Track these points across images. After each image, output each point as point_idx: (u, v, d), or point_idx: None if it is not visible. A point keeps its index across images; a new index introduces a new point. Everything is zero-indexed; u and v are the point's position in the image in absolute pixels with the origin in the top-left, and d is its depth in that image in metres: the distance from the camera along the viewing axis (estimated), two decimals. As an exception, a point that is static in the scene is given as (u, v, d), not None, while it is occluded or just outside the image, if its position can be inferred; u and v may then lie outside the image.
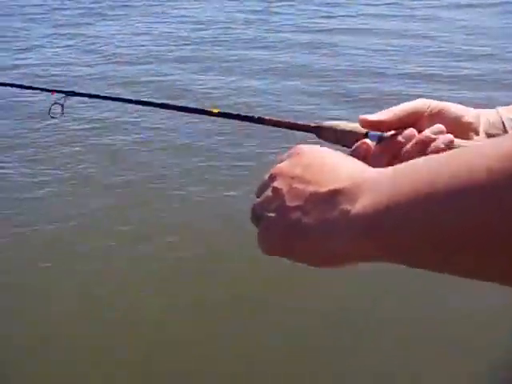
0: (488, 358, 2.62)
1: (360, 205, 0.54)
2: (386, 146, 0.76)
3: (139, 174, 4.31)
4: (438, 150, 0.73)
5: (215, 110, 0.83)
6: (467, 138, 0.77)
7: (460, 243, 0.47)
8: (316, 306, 2.99)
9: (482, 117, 0.79)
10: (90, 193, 4.11)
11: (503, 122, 0.78)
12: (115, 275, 3.28)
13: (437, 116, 0.77)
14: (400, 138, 0.76)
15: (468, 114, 0.79)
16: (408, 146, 0.75)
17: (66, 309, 3.03)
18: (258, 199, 0.65)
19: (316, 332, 2.85)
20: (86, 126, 5.05)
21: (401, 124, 0.77)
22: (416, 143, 0.75)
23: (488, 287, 0.54)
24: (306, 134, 0.81)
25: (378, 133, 0.78)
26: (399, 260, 0.53)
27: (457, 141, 0.74)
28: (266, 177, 0.66)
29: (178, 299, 3.06)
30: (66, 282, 3.22)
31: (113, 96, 1.07)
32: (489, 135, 0.77)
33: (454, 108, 0.79)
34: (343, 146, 0.79)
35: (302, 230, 0.59)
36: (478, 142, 0.76)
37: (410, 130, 0.76)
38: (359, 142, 0.77)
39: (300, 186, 0.61)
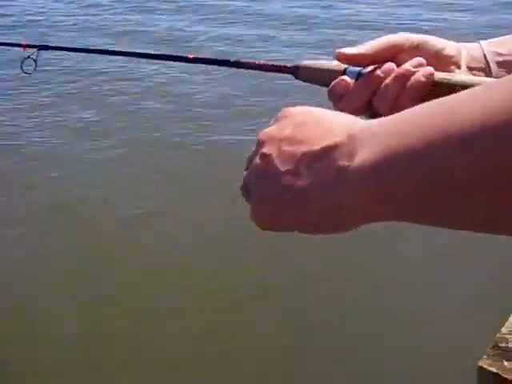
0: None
1: (360, 158, 0.51)
2: (364, 82, 0.74)
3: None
4: (418, 84, 0.72)
5: (190, 56, 0.81)
6: (448, 71, 0.76)
7: (474, 186, 0.44)
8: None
9: (464, 50, 0.77)
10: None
11: (485, 55, 0.76)
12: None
13: (417, 50, 0.75)
14: (379, 72, 0.74)
15: (449, 46, 0.77)
16: (387, 80, 0.73)
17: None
18: (247, 170, 0.61)
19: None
20: (61, 80, 4.99)
21: (380, 58, 0.75)
22: (395, 77, 0.73)
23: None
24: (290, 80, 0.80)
25: (357, 69, 0.75)
26: (407, 213, 0.50)
27: (437, 74, 0.73)
28: (254, 146, 0.61)
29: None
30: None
31: (88, 48, 1.05)
32: (470, 68, 0.76)
33: (435, 41, 0.77)
34: (323, 85, 0.78)
35: (298, 196, 0.55)
36: (460, 75, 0.74)
37: (389, 64, 0.74)
38: (337, 79, 0.75)
39: (290, 148, 0.56)
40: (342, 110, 0.75)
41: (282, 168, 0.56)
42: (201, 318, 2.83)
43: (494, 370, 1.29)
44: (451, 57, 0.76)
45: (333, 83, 0.75)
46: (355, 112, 0.74)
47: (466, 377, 1.26)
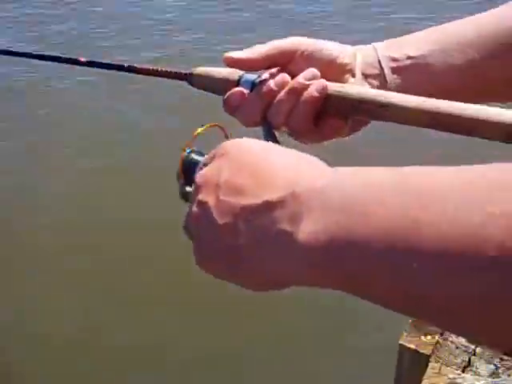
0: None
1: (307, 228, 0.46)
2: (257, 96, 0.72)
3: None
4: (311, 99, 0.70)
5: (82, 59, 0.78)
6: (343, 80, 0.74)
7: (437, 309, 0.40)
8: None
9: (359, 56, 0.75)
10: None
11: (379, 61, 0.74)
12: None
13: (311, 57, 0.73)
14: (272, 85, 0.72)
15: (344, 53, 0.75)
16: (281, 94, 0.71)
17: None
18: (187, 213, 0.56)
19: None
20: None
21: (271, 64, 0.73)
22: (289, 91, 0.71)
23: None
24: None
25: (252, 78, 0.73)
26: (351, 291, 0.45)
27: (330, 86, 0.71)
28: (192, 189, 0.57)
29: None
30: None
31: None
32: (365, 76, 0.74)
33: (329, 48, 0.74)
34: (218, 94, 0.76)
35: (234, 252, 0.51)
36: (353, 86, 0.72)
37: (282, 77, 0.72)
38: (231, 91, 0.73)
39: (228, 198, 0.51)
40: (239, 121, 0.74)
41: (220, 220, 0.51)
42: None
43: (412, 346, 1.34)
44: (346, 64, 0.74)
45: (227, 94, 0.73)
46: (251, 124, 0.73)
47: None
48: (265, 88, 0.72)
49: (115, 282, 3.02)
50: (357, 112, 0.70)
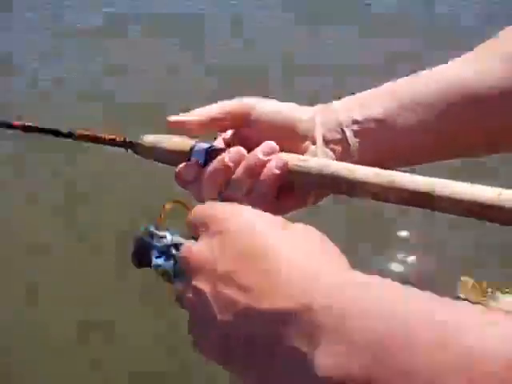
0: None
1: (322, 359, 0.39)
2: (213, 171, 0.65)
3: None
4: (271, 177, 0.64)
5: (16, 123, 0.69)
6: (302, 148, 0.67)
7: None
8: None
9: (318, 119, 0.68)
10: None
11: (341, 124, 0.67)
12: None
13: (266, 123, 0.66)
14: (227, 160, 0.65)
15: (302, 117, 0.68)
16: (238, 172, 0.65)
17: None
18: (181, 289, 0.50)
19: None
20: None
21: (221, 128, 0.68)
22: (246, 170, 0.64)
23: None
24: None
25: (204, 147, 0.67)
26: None
27: (291, 160, 0.64)
28: (181, 255, 0.50)
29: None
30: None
31: None
32: (327, 142, 0.67)
33: (285, 111, 0.68)
34: (169, 165, 0.68)
35: (241, 362, 0.45)
36: (314, 159, 0.66)
37: (237, 151, 0.65)
38: (183, 165, 0.66)
39: (229, 292, 0.44)
40: (193, 195, 0.68)
41: (219, 315, 0.44)
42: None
43: None
44: (305, 131, 0.67)
45: (179, 168, 0.67)
46: (206, 200, 0.65)
47: None
48: (219, 164, 0.65)
49: (117, 280, 2.98)
50: (321, 187, 0.65)
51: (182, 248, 0.51)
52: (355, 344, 0.38)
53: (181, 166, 0.66)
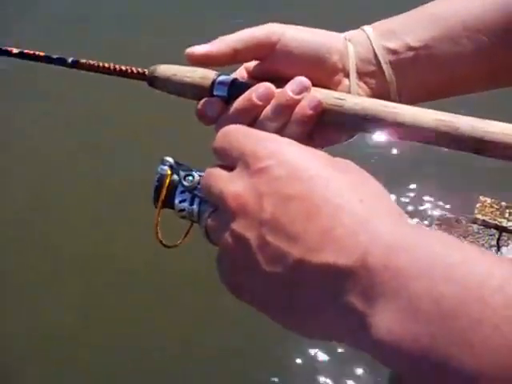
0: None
1: (381, 322, 0.36)
2: (239, 111, 0.60)
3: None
4: (304, 118, 0.59)
5: (14, 50, 0.64)
6: (335, 81, 0.62)
7: None
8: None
9: (351, 48, 0.62)
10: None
11: (376, 54, 0.61)
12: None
13: (294, 53, 0.60)
14: (255, 99, 0.59)
15: (333, 47, 0.62)
16: (267, 111, 0.59)
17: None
18: (212, 222, 0.46)
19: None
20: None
21: (242, 58, 0.62)
22: (276, 109, 0.59)
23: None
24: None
25: (228, 80, 0.61)
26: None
27: (326, 99, 0.59)
28: (215, 188, 0.45)
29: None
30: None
31: None
32: (361, 74, 0.62)
33: (316, 41, 0.61)
34: (188, 98, 0.63)
35: (287, 310, 0.41)
36: (352, 99, 0.60)
37: (265, 88, 0.59)
38: (205, 100, 0.61)
39: (278, 243, 0.40)
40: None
41: (266, 267, 0.41)
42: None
43: None
44: (337, 63, 0.62)
45: (200, 104, 0.61)
46: None
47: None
48: (246, 102, 0.60)
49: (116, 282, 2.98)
50: (360, 128, 0.60)
51: (218, 184, 0.45)
52: (418, 308, 0.35)
53: (202, 101, 0.61)
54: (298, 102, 0.59)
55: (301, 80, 0.60)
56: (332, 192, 0.40)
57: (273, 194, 0.41)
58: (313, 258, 0.39)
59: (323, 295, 0.39)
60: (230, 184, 0.43)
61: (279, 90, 0.60)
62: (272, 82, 0.60)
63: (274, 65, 0.61)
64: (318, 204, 0.40)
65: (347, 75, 0.62)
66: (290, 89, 0.59)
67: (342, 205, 0.39)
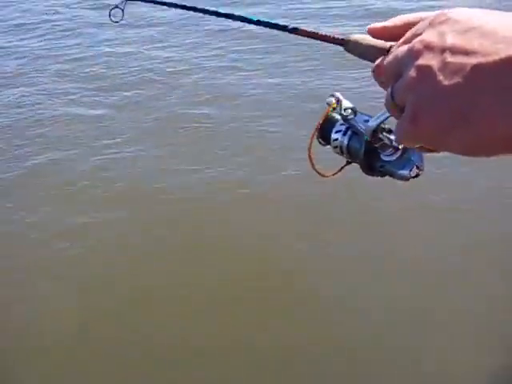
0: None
1: None
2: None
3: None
4: None
5: (255, 18, 0.86)
6: None
7: None
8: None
9: None
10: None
11: None
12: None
13: None
14: None
15: None
16: None
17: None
18: (398, 83, 0.53)
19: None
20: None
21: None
22: None
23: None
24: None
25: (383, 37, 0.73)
26: None
27: None
28: (399, 52, 0.54)
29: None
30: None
31: (172, 2, 1.07)
32: None
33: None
34: (370, 61, 0.79)
35: (466, 115, 0.47)
36: None
37: None
38: (379, 60, 0.69)
39: (457, 60, 0.48)
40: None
41: (449, 83, 0.48)
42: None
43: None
44: None
45: (376, 63, 0.70)
46: None
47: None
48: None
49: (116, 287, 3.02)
50: None
51: (404, 49, 0.54)
52: None
53: (379, 59, 0.68)
54: None
55: None
56: (498, 17, 0.49)
57: (452, 30, 0.50)
58: (488, 58, 0.46)
59: (505, 91, 0.45)
60: (418, 38, 0.52)
61: None
62: None
63: None
64: (490, 26, 0.48)
65: None
66: None
67: (507, 22, 0.48)
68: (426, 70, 0.50)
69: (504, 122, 0.46)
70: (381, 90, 0.63)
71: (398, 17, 0.72)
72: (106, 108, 4.58)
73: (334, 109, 0.79)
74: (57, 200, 3.61)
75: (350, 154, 0.84)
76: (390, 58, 0.56)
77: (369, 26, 0.74)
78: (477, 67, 0.47)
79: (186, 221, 3.38)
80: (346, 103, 0.83)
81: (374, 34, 0.74)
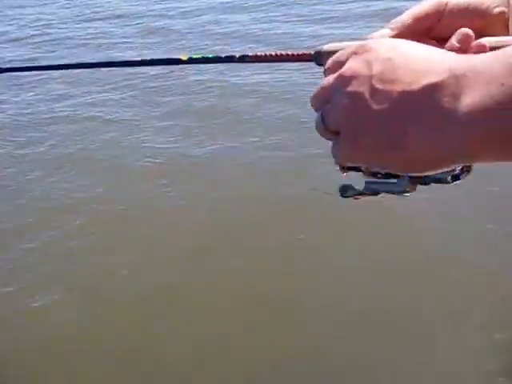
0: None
1: (470, 99, 0.48)
2: None
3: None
4: None
5: (184, 58, 0.71)
6: (494, 33, 0.66)
7: None
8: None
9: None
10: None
11: None
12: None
13: (458, 15, 0.66)
14: None
15: (492, 1, 0.67)
16: None
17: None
18: (327, 107, 0.56)
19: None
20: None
21: (414, 33, 0.67)
22: None
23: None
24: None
25: None
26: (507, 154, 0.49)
27: (489, 41, 0.63)
28: (327, 80, 0.57)
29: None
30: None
31: (45, 65, 1.02)
32: None
33: (477, 0, 0.67)
34: None
35: (398, 138, 0.52)
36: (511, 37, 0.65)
37: (431, 44, 0.64)
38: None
39: (384, 87, 0.52)
40: None
41: (378, 108, 0.52)
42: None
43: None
44: (497, 15, 0.67)
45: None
46: None
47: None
48: None
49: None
50: None
51: (333, 75, 0.57)
52: (496, 77, 0.47)
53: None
54: (463, 50, 0.62)
55: (463, 31, 0.64)
56: (419, 48, 0.55)
57: (377, 59, 0.54)
58: (412, 86, 0.51)
59: (426, 112, 0.50)
60: (344, 67, 0.56)
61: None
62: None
63: (442, 30, 0.66)
64: (412, 56, 0.53)
65: (507, 26, 0.67)
66: (454, 39, 0.63)
67: (428, 52, 0.54)
68: (357, 97, 0.53)
69: (430, 145, 0.50)
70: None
71: (398, 19, 0.68)
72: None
73: None
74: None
75: None
76: (318, 86, 0.59)
77: (369, 36, 0.68)
78: (402, 94, 0.51)
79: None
80: None
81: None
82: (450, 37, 0.65)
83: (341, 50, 0.67)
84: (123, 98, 4.96)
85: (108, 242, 3.31)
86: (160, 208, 3.55)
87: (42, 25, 6.83)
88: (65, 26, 6.78)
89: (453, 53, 0.54)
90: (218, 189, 3.64)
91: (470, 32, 0.64)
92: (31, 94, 5.16)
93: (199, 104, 4.74)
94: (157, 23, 6.58)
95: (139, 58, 0.78)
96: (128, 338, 2.73)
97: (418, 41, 0.66)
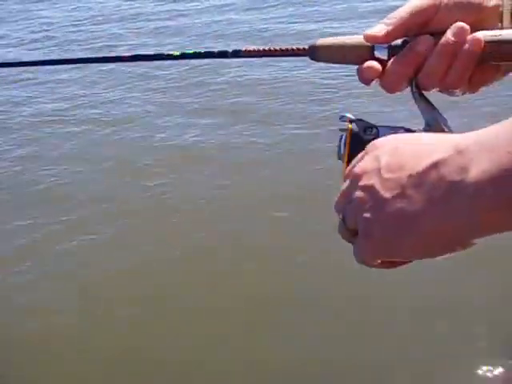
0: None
1: (476, 170, 0.49)
2: (403, 60, 0.67)
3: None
4: (469, 56, 0.64)
5: (176, 53, 0.70)
6: (488, 27, 0.67)
7: None
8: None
9: None
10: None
11: None
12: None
13: (453, 10, 0.67)
14: (419, 48, 0.66)
15: None
16: (432, 58, 0.66)
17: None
18: (347, 208, 0.59)
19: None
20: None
21: (412, 26, 0.68)
22: (440, 53, 0.65)
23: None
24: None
25: (386, 45, 0.68)
26: None
27: (485, 36, 0.64)
28: (345, 185, 0.60)
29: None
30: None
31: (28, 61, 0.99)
32: None
33: None
34: (347, 64, 0.69)
35: (410, 220, 0.53)
36: (508, 30, 0.66)
37: (426, 38, 0.66)
38: (369, 62, 0.67)
39: (393, 175, 0.55)
40: (383, 88, 0.70)
41: (389, 195, 0.54)
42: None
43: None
44: (492, 9, 0.67)
45: (365, 65, 0.68)
46: (397, 90, 0.69)
47: None
48: (411, 53, 0.67)
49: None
50: None
51: (347, 172, 0.61)
52: (500, 147, 0.48)
53: (367, 62, 0.67)
54: (459, 44, 0.64)
55: (459, 24, 0.65)
56: (421, 137, 0.59)
57: (384, 153, 0.57)
58: (418, 167, 0.53)
59: (434, 188, 0.51)
60: (354, 166, 0.60)
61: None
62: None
63: (437, 24, 0.67)
64: (416, 145, 0.56)
65: (501, 20, 0.67)
66: (450, 33, 0.65)
67: (430, 138, 0.57)
68: (368, 189, 0.56)
69: (439, 220, 0.52)
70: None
71: (393, 15, 0.68)
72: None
73: (353, 134, 0.68)
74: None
75: None
76: (340, 192, 0.61)
77: (366, 33, 0.69)
78: (409, 176, 0.53)
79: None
80: (362, 124, 0.73)
81: (374, 42, 0.69)
82: (445, 31, 0.66)
83: (334, 44, 0.68)
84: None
85: (108, 242, 3.31)
86: (160, 208, 3.56)
87: (51, 28, 6.83)
88: (75, 28, 6.77)
89: (459, 134, 0.55)
90: (218, 188, 3.64)
91: (466, 26, 0.65)
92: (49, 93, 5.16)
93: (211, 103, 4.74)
94: (167, 22, 6.57)
95: (130, 54, 0.78)
96: (128, 338, 2.73)
97: (415, 35, 0.67)
